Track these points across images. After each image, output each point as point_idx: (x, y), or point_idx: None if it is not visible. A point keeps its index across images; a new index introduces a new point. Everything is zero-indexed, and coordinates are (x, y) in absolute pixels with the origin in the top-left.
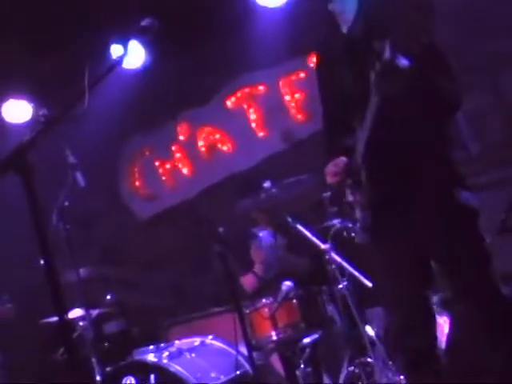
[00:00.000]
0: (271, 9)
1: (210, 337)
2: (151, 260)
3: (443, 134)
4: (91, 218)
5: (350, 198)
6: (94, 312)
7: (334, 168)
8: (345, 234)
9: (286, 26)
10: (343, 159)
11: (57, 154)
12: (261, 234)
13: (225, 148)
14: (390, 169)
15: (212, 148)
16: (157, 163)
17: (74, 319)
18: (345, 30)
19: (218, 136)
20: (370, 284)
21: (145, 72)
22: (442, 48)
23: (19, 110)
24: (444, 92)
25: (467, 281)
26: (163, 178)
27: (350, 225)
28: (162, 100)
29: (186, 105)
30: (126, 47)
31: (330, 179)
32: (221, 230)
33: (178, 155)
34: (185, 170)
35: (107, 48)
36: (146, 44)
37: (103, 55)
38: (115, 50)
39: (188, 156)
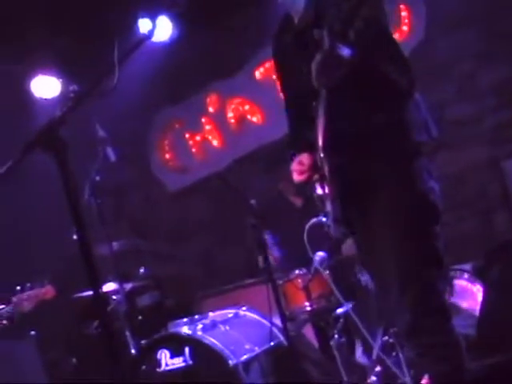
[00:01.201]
0: None
1: (244, 308)
2: (183, 231)
3: (400, 121)
4: (123, 190)
5: (319, 191)
6: (128, 286)
7: (299, 166)
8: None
9: None
10: (306, 155)
11: (87, 128)
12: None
13: (254, 119)
14: (349, 161)
15: (242, 119)
16: (187, 135)
17: (107, 293)
18: (296, 21)
19: (247, 107)
20: None
21: (173, 44)
22: (389, 35)
23: (48, 86)
24: (392, 78)
25: (408, 281)
26: (193, 150)
27: (324, 219)
28: (191, 71)
29: (215, 76)
30: (154, 22)
31: (296, 178)
32: (253, 202)
33: (207, 127)
34: (215, 142)
35: (135, 22)
36: (174, 18)
37: (131, 29)
38: (143, 24)
39: (218, 128)
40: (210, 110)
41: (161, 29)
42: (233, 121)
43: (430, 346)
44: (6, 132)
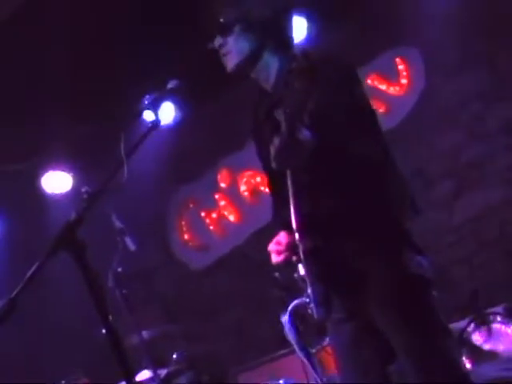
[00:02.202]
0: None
1: (281, 381)
2: (212, 308)
3: (376, 197)
4: (148, 274)
5: (302, 272)
6: (163, 372)
7: (276, 247)
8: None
9: None
10: (284, 235)
11: (104, 219)
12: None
13: (268, 190)
14: (324, 244)
15: (255, 191)
16: (202, 214)
17: (142, 382)
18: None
19: (259, 179)
20: None
21: (177, 125)
22: (356, 107)
23: (59, 181)
24: (361, 153)
25: (423, 359)
26: (211, 227)
27: (307, 300)
28: (198, 150)
29: (223, 151)
30: (156, 113)
31: (273, 259)
32: (277, 275)
33: (222, 203)
34: (231, 217)
35: (141, 113)
36: (176, 102)
37: (138, 119)
38: (148, 114)
39: (232, 203)
40: (223, 185)
41: (163, 113)
42: (246, 194)
43: None
44: (19, 229)
